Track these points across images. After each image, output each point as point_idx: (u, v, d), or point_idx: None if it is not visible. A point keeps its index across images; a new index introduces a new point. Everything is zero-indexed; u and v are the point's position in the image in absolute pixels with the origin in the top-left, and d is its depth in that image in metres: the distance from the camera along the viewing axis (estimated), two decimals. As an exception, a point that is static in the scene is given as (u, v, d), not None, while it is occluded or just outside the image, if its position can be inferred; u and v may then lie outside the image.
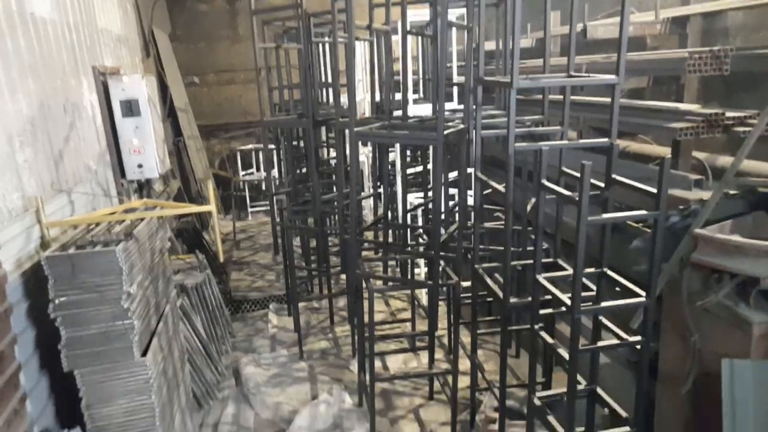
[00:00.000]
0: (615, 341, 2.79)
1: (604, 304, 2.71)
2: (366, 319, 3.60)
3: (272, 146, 7.54)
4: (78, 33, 4.54)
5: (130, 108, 4.95)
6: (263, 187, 9.31)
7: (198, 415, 3.84)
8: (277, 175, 7.51)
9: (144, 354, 2.75)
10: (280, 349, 4.79)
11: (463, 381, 3.76)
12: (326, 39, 6.29)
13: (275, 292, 5.70)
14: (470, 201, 4.22)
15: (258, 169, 9.23)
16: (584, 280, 2.98)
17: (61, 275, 2.54)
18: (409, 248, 4.45)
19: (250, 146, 9.26)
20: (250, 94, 9.83)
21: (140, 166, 4.95)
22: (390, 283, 4.84)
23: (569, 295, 2.57)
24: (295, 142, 6.48)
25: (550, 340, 2.89)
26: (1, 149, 2.86)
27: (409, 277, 4.98)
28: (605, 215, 2.75)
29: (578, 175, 2.42)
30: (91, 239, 2.78)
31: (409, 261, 4.99)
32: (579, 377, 2.91)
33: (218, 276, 5.38)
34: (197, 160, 8.44)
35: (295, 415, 3.72)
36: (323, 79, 6.84)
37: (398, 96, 5.44)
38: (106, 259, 2.57)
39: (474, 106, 3.50)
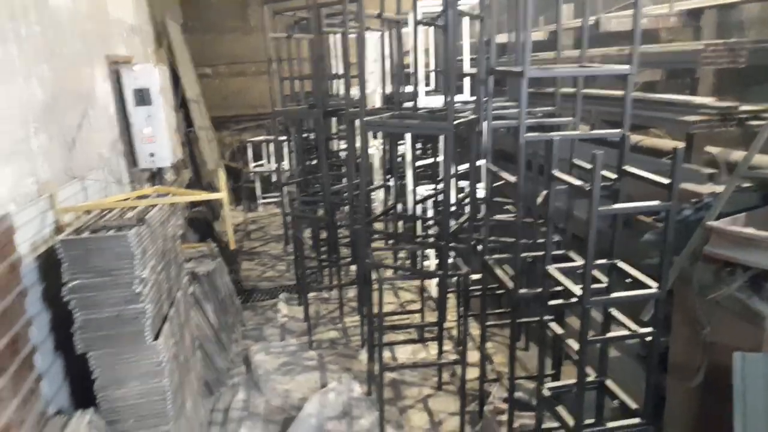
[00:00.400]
0: (625, 332, 2.78)
1: (614, 295, 2.70)
2: (375, 308, 3.61)
3: (283, 138, 7.56)
4: (91, 21, 4.57)
5: (143, 97, 4.98)
6: (273, 179, 9.34)
7: (209, 401, 3.88)
8: (287, 167, 7.53)
9: (156, 338, 2.78)
10: (289, 338, 4.82)
11: (472, 372, 3.76)
12: (337, 29, 6.28)
13: (285, 282, 5.74)
14: (480, 194, 4.22)
15: (268, 161, 9.26)
16: (595, 272, 2.97)
17: (75, 259, 2.58)
18: (419, 239, 4.45)
19: (260, 138, 9.29)
20: (261, 86, 9.84)
21: (152, 155, 4.98)
22: (399, 272, 4.85)
23: (580, 286, 2.56)
24: (305, 135, 6.48)
25: (559, 330, 2.88)
26: (15, 134, 2.90)
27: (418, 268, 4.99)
28: (617, 205, 2.74)
29: (590, 166, 2.41)
30: (105, 224, 2.81)
31: (419, 253, 5.00)
32: (588, 369, 2.91)
33: (229, 265, 5.42)
34: (208, 152, 8.48)
35: (304, 403, 3.75)
36: (334, 71, 6.84)
37: (409, 88, 5.43)
38: (119, 244, 2.60)
39: (485, 97, 3.49)
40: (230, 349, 4.45)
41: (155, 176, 5.43)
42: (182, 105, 8.11)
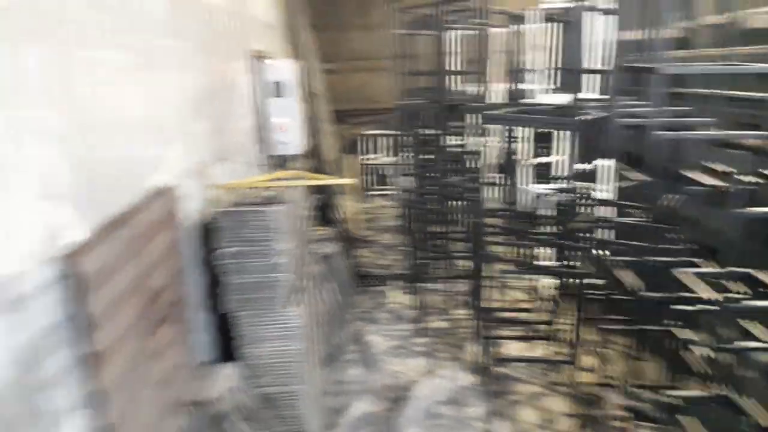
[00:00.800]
0: (764, 345, 2.63)
1: (757, 303, 2.56)
2: (487, 303, 3.68)
3: (398, 132, 7.77)
4: (235, 18, 5.00)
5: (277, 89, 5.39)
6: (385, 172, 9.63)
7: (324, 373, 4.15)
8: (401, 161, 7.74)
9: (291, 306, 3.05)
10: (400, 324, 5.01)
11: (585, 377, 3.71)
12: (460, 27, 6.35)
13: (397, 271, 5.94)
14: (602, 194, 4.12)
15: (381, 154, 9.57)
16: (726, 283, 2.82)
17: (229, 228, 2.90)
18: (534, 237, 4.44)
19: (376, 131, 9.61)
20: (379, 81, 10.14)
21: (284, 143, 5.38)
22: (516, 267, 4.85)
23: (712, 294, 2.47)
24: (421, 130, 6.63)
25: (688, 336, 2.78)
26: (182, 118, 3.30)
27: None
28: (755, 209, 2.58)
29: (727, 169, 2.32)
30: (250, 200, 3.13)
31: (534, 251, 4.97)
32: (716, 385, 2.78)
33: (346, 250, 5.71)
34: (330, 143, 8.92)
35: (414, 385, 3.91)
36: (453, 67, 6.92)
37: (527, 85, 5.39)
38: (265, 218, 2.90)
39: (614, 95, 3.42)
40: (345, 328, 4.71)
41: (285, 163, 5.84)
42: (308, 98, 8.59)
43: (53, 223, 1.85)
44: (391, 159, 9.38)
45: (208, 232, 3.14)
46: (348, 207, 5.89)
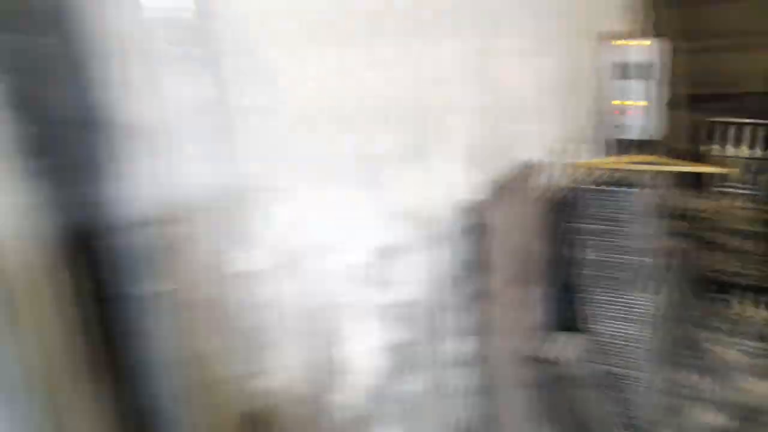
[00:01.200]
0: None
1: None
2: None
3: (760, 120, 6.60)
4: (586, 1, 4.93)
5: (627, 71, 5.18)
6: (746, 167, 8.29)
7: (663, 369, 3.94)
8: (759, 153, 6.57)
9: (643, 292, 3.01)
10: (750, 340, 4.39)
11: None
12: None
13: (749, 282, 5.18)
14: None
15: (743, 146, 8.25)
16: None
17: (588, 205, 3.01)
18: None
19: (737, 120, 8.32)
20: (744, 61, 8.72)
21: (630, 127, 5.18)
22: None
23: None
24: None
25: None
26: (547, 100, 3.50)
27: None
28: None
29: None
30: (608, 180, 3.16)
31: None
32: None
33: (690, 250, 5.22)
34: (682, 130, 8.17)
35: (768, 408, 3.42)
36: None
37: None
38: (628, 199, 2.91)
39: None
40: (685, 330, 4.38)
41: (631, 148, 5.61)
42: (660, 80, 7.96)
43: (466, 180, 2.27)
44: (754, 152, 8.03)
45: (563, 207, 3.30)
46: (695, 202, 5.36)
